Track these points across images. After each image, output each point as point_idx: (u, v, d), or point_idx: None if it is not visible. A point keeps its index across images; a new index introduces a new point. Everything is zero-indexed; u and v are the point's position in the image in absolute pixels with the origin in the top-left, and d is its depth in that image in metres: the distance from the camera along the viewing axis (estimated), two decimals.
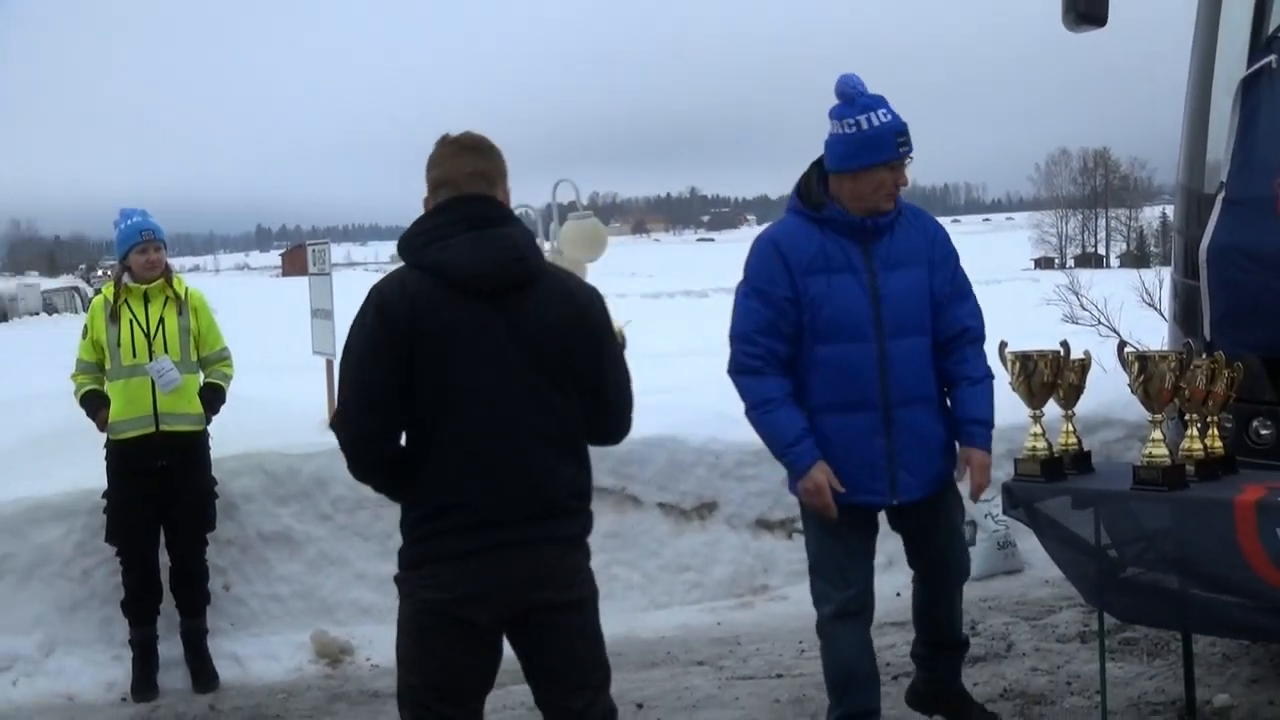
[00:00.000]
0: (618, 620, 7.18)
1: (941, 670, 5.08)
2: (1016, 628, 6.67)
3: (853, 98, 4.60)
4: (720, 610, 7.45)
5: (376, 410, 3.33)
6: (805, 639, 6.58)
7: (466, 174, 3.48)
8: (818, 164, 4.70)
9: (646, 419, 7.95)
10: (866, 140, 4.56)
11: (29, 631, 6.73)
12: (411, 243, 3.42)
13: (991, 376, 4.87)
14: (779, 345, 4.53)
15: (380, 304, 3.32)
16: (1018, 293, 30.69)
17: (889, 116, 4.60)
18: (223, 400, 6.83)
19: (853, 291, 4.57)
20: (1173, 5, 6.31)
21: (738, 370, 4.59)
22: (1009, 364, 4.98)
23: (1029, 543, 6.95)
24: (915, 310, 4.66)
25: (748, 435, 7.85)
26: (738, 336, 4.58)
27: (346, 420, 3.40)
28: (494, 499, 3.41)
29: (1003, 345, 5.01)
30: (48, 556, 6.85)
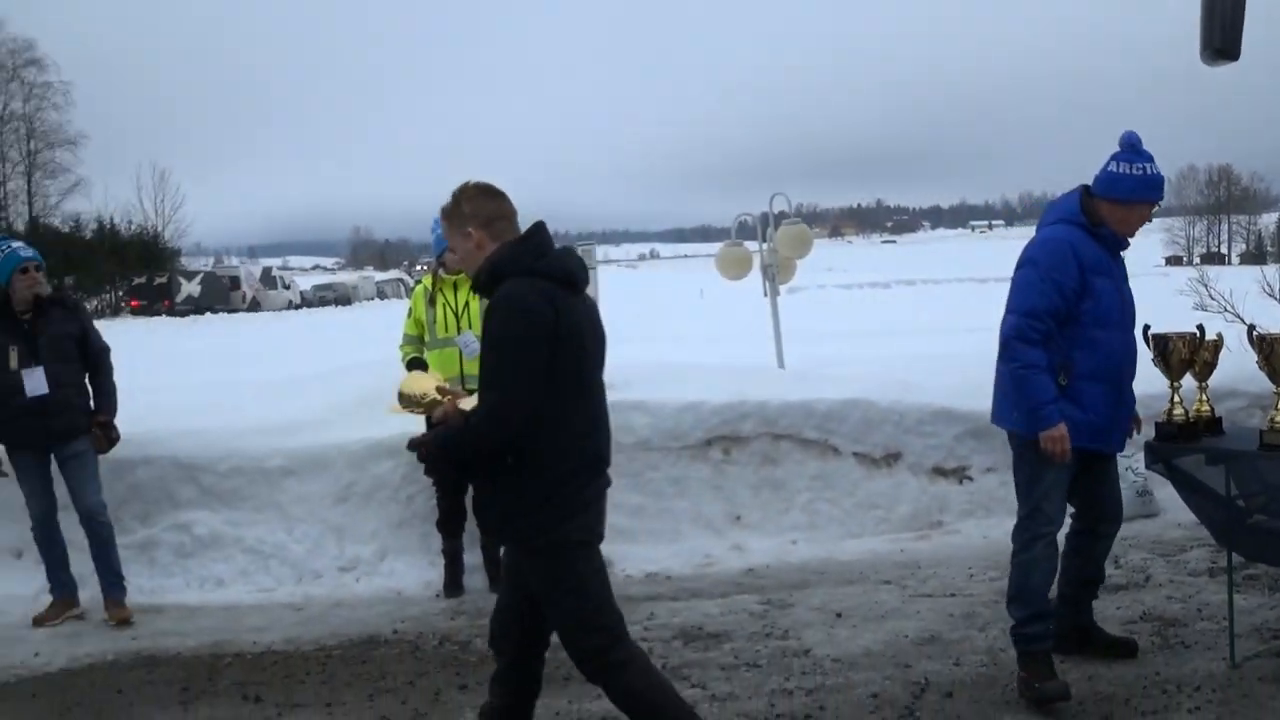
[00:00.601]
0: (821, 546, 7.36)
1: (1084, 605, 5.16)
2: (1153, 563, 6.60)
3: (1138, 148, 4.85)
4: (902, 541, 7.43)
5: (535, 389, 3.50)
6: (974, 566, 6.71)
7: (511, 210, 3.81)
8: (1086, 189, 4.93)
9: (844, 385, 8.20)
10: (1147, 183, 4.84)
11: (368, 542, 7.08)
12: (522, 259, 3.63)
13: None
14: (1053, 326, 4.71)
15: (531, 307, 3.51)
16: (1153, 286, 29.42)
17: (1158, 170, 4.89)
18: None
19: (1113, 292, 4.84)
20: None
21: (1020, 337, 4.69)
22: (1151, 344, 5.09)
23: (1164, 491, 6.84)
24: (1134, 312, 4.98)
25: (927, 398, 8.03)
26: (1027, 312, 4.69)
27: (516, 400, 3.49)
28: (608, 453, 3.79)
29: (1146, 328, 5.08)
30: (381, 485, 7.19)
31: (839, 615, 5.95)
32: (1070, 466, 4.76)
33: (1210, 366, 5.14)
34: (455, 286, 6.91)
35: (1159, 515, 7.58)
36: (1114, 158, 4.85)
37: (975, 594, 6.20)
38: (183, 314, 46.68)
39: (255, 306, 54.45)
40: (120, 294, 50.19)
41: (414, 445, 3.93)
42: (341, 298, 64.78)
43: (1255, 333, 4.93)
